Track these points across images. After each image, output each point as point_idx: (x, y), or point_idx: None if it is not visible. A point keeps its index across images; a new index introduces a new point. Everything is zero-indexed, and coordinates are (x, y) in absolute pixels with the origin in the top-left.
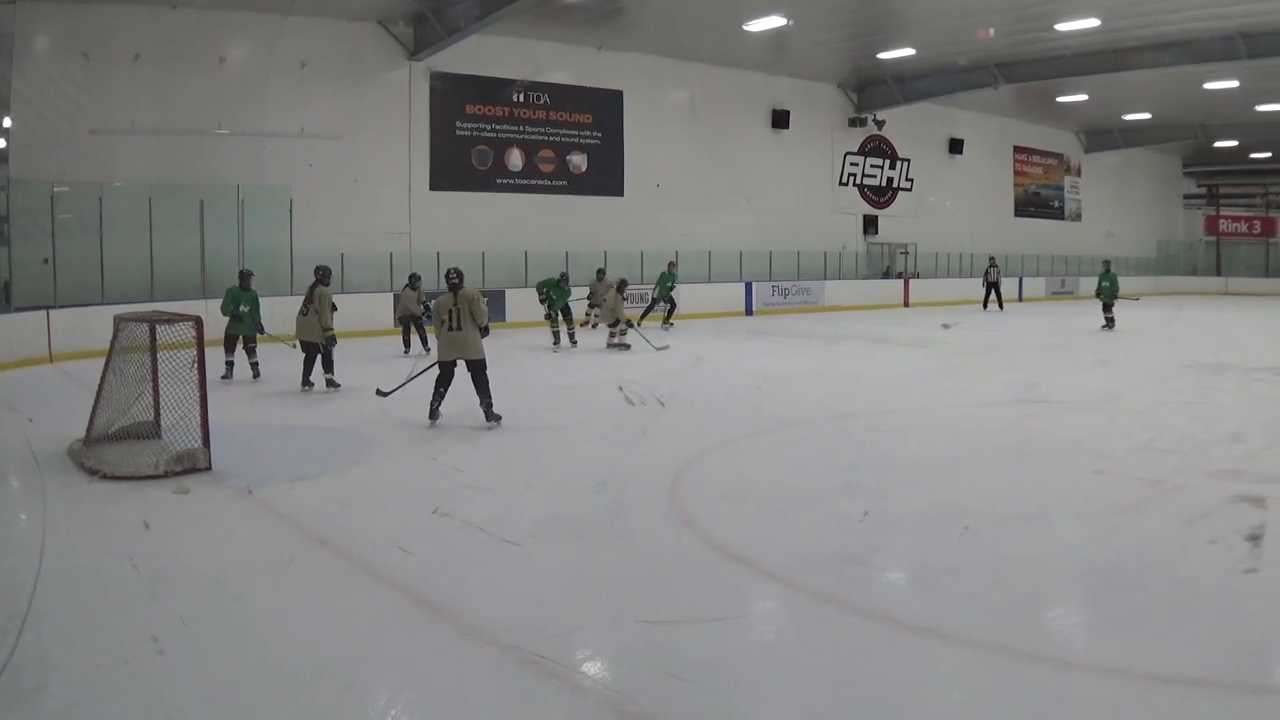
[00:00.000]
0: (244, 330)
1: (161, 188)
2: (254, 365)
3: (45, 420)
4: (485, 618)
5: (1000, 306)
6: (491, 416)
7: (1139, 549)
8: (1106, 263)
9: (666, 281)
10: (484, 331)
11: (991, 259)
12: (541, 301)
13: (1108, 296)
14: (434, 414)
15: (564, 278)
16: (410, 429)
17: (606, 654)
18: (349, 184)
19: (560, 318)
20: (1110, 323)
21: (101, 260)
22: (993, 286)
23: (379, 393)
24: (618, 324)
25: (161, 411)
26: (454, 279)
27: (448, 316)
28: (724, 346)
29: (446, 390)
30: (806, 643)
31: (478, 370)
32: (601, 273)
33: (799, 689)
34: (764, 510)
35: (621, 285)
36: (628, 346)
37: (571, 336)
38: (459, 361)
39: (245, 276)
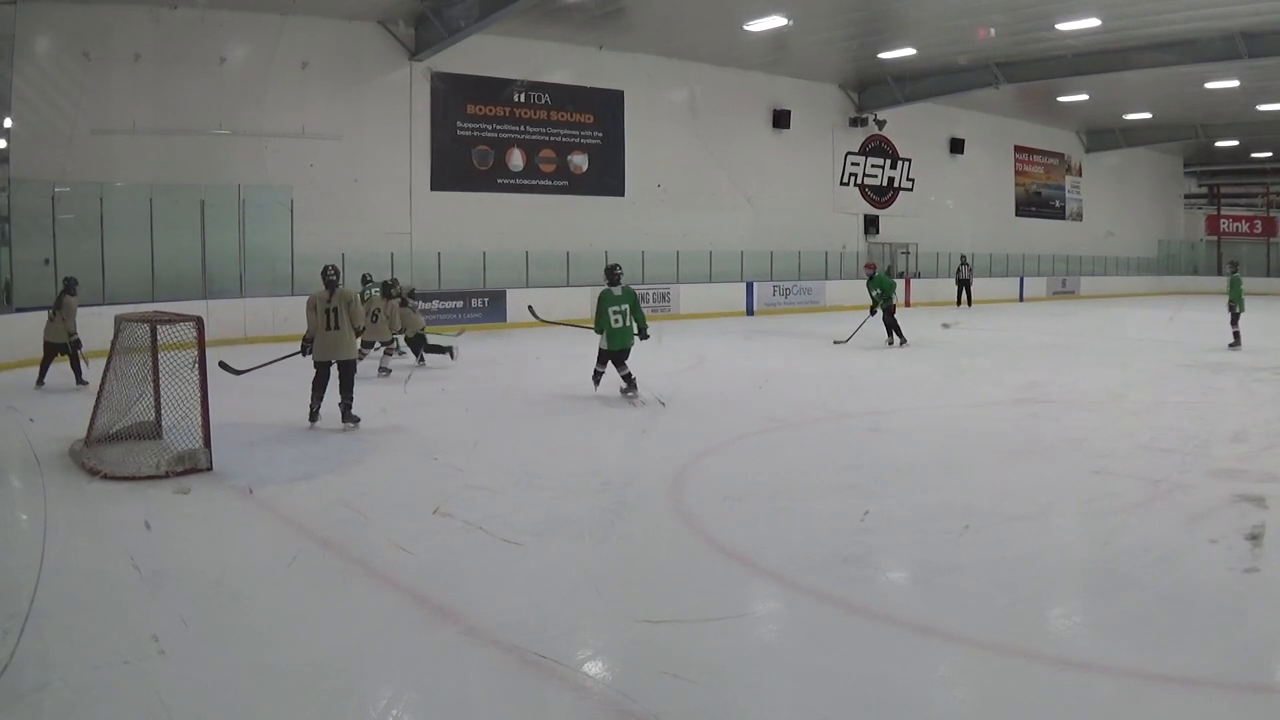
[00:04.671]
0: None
1: (162, 188)
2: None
3: (45, 420)
4: (486, 617)
5: (969, 304)
6: (351, 419)
7: (1140, 548)
8: (1234, 264)
9: (872, 289)
10: (358, 332)
11: (963, 257)
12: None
13: (1237, 302)
14: (315, 417)
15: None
16: (410, 429)
17: (607, 654)
18: (350, 184)
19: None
20: (1236, 338)
21: (102, 260)
22: (964, 284)
23: (223, 366)
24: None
25: (162, 412)
26: (332, 276)
27: (326, 315)
28: (725, 346)
29: (323, 395)
30: (807, 642)
31: (346, 371)
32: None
33: (799, 689)
34: (764, 510)
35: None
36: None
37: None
38: (334, 363)
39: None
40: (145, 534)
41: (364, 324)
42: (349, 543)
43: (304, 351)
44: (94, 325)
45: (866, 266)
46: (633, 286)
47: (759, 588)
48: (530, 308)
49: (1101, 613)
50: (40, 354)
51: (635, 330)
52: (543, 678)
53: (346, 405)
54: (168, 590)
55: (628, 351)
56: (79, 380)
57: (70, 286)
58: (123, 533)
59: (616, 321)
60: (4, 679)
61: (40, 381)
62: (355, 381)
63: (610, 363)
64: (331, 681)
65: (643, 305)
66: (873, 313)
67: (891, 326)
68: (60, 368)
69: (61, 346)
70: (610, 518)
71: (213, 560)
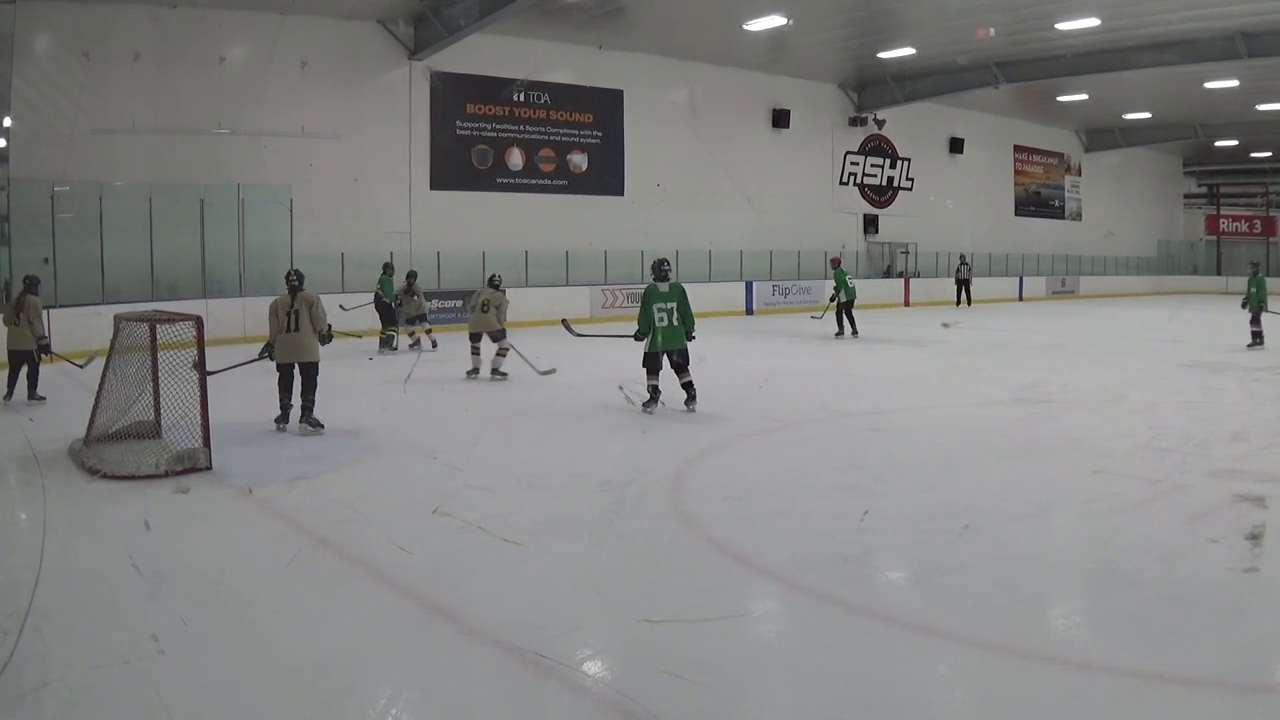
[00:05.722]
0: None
1: (162, 187)
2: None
3: (45, 420)
4: (486, 617)
5: (969, 303)
6: (310, 421)
7: (1139, 548)
8: (1255, 265)
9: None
10: (324, 338)
11: (962, 257)
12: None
13: (1255, 305)
14: (284, 419)
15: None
16: (410, 429)
17: (607, 653)
18: (349, 184)
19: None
20: (1257, 338)
21: (102, 260)
22: (963, 284)
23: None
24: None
25: (162, 411)
26: (294, 280)
27: (285, 318)
28: (724, 346)
29: (290, 395)
30: (807, 642)
31: (309, 373)
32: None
33: (799, 688)
34: (764, 509)
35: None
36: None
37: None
38: (295, 365)
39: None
40: (145, 534)
41: (326, 327)
42: (348, 543)
43: (269, 355)
44: (94, 325)
45: (833, 261)
46: (680, 284)
47: (759, 588)
48: (564, 322)
49: (1101, 613)
50: None
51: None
52: (543, 678)
53: (306, 407)
54: (168, 590)
55: (685, 355)
56: (33, 394)
57: (32, 285)
58: (123, 533)
59: (662, 320)
60: (4, 679)
61: (9, 394)
62: (318, 384)
63: (672, 369)
64: (331, 681)
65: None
66: (832, 299)
67: (841, 318)
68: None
69: (29, 354)
70: (610, 518)
71: (213, 560)
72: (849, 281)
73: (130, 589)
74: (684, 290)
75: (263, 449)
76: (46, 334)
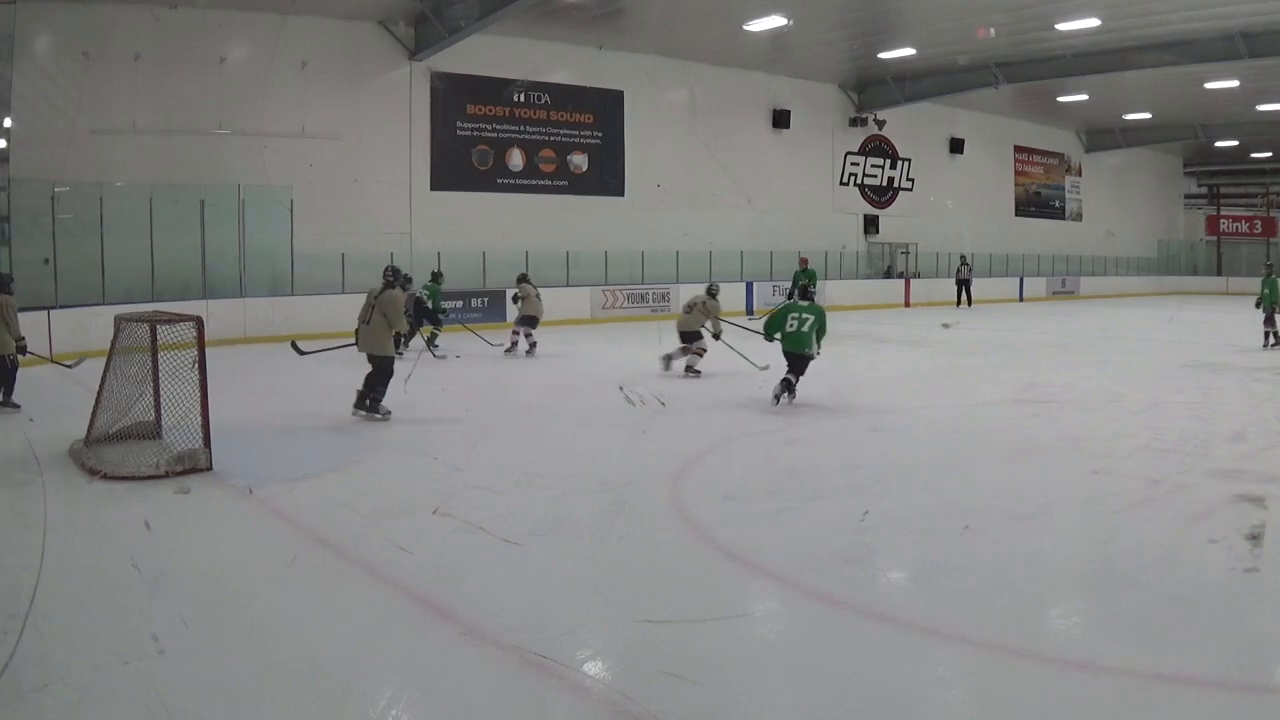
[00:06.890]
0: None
1: (162, 188)
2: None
3: (45, 420)
4: (486, 617)
5: (969, 304)
6: (360, 405)
7: (1140, 548)
8: (1269, 265)
9: (800, 279)
10: (398, 339)
11: (963, 257)
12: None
13: (1268, 305)
14: (358, 404)
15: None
16: (410, 429)
17: (607, 653)
18: (349, 184)
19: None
20: (1272, 338)
21: (102, 260)
22: (963, 284)
23: (295, 348)
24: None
25: (162, 411)
26: (388, 277)
27: (366, 310)
28: (724, 346)
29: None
30: (807, 642)
31: (376, 365)
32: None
33: (799, 688)
34: (764, 510)
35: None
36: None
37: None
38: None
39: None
40: (145, 534)
41: (405, 327)
42: (349, 542)
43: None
44: (94, 325)
45: (801, 260)
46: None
47: (759, 588)
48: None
49: (1101, 613)
50: None
51: (813, 340)
52: (543, 678)
53: (360, 394)
54: (168, 590)
55: (802, 361)
56: (7, 400)
57: (4, 284)
58: (123, 533)
59: (792, 326)
60: (4, 679)
61: (8, 398)
62: (390, 381)
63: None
64: (331, 681)
65: (643, 305)
66: (790, 296)
67: None
68: (25, 375)
69: (8, 358)
70: (610, 518)
71: (213, 560)
72: (816, 282)
73: (130, 589)
74: (824, 313)
75: (263, 449)
76: (23, 335)
